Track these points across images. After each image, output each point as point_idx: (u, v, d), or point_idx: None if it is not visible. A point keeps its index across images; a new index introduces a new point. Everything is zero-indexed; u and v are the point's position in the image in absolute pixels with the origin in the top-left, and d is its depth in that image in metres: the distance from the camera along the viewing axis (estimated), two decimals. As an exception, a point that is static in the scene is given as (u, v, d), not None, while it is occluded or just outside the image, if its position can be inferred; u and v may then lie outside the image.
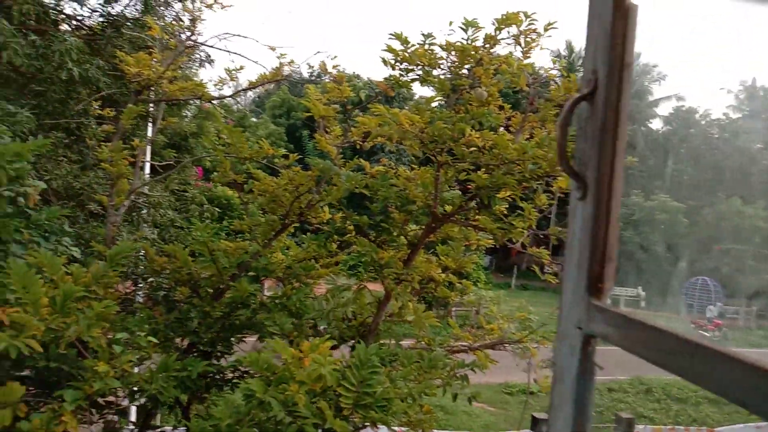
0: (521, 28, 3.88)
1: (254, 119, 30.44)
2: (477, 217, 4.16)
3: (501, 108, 4.32)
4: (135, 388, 3.63)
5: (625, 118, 0.64)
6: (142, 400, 3.99)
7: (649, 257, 29.42)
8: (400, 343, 4.79)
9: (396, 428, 4.76)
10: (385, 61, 3.94)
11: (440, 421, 12.03)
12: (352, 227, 4.95)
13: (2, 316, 3.16)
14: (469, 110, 3.71)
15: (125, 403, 6.14)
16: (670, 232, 29.28)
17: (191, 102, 13.91)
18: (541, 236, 4.28)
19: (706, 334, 22.79)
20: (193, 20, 4.55)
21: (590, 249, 0.65)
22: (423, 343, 4.97)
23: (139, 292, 6.38)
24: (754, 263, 29.34)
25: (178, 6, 9.58)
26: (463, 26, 3.93)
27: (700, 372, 0.51)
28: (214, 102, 7.58)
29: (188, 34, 4.68)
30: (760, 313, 27.59)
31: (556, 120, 4.56)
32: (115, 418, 7.33)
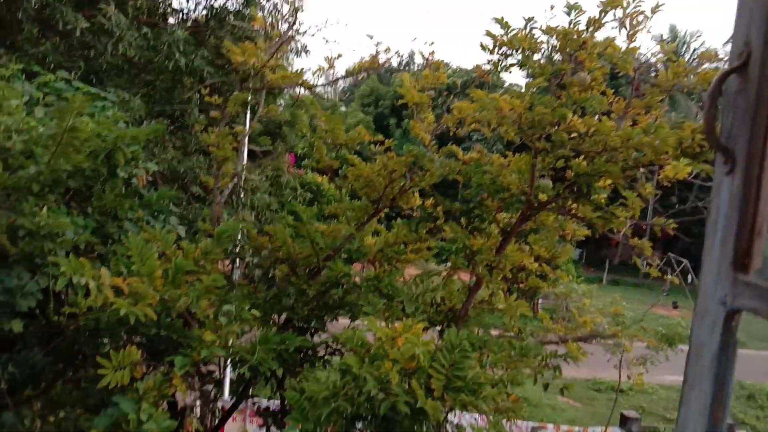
0: (627, 11, 3.72)
1: (344, 108, 31.02)
2: (574, 205, 4.06)
3: (603, 93, 4.17)
4: (237, 359, 3.85)
5: (781, 92, 0.62)
6: (243, 371, 4.23)
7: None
8: (489, 331, 4.78)
9: (477, 416, 4.76)
10: (483, 46, 3.91)
11: (524, 413, 11.85)
12: (441, 213, 4.96)
13: (123, 286, 3.45)
14: (570, 95, 3.62)
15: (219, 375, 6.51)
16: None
17: (286, 91, 14.36)
18: (643, 227, 4.11)
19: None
20: (295, 11, 4.71)
21: (738, 224, 0.64)
22: (512, 332, 4.93)
23: (236, 271, 6.74)
24: None
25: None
26: (566, 10, 3.82)
27: None
28: (309, 91, 7.81)
29: (289, 24, 4.84)
30: None
31: (662, 106, 4.34)
32: (211, 388, 7.81)
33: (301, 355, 4.65)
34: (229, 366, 6.42)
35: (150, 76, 9.47)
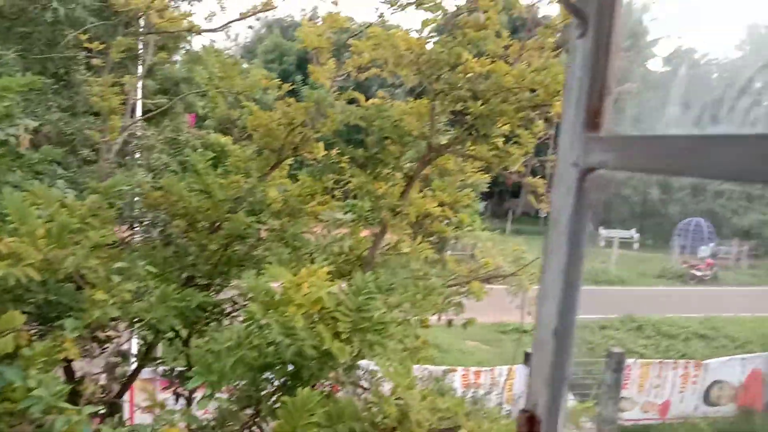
0: (519, -51, 3.76)
1: (245, 65, 29.82)
2: (472, 147, 4.14)
3: (499, 35, 4.24)
4: (134, 320, 3.68)
5: (627, -56, 0.62)
6: (143, 332, 4.05)
7: (643, 199, 29.61)
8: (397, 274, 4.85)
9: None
10: (379, -14, 3.83)
11: (435, 358, 12.33)
12: (346, 163, 4.92)
13: (0, 246, 3.18)
14: (465, 35, 3.63)
15: (125, 347, 6.22)
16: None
17: (181, 46, 13.56)
18: (539, 165, 4.27)
19: (698, 273, 23.19)
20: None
21: (589, 84, 0.64)
22: (419, 275, 5.03)
23: (137, 237, 6.40)
24: (746, 203, 29.60)
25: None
26: (459, -51, 3.81)
27: (702, 161, 0.50)
28: (205, 44, 7.38)
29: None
30: (751, 252, 28.03)
31: (557, 48, 4.47)
32: (118, 359, 7.45)
33: (207, 313, 4.52)
34: (135, 337, 6.16)
35: (25, 28, 8.58)
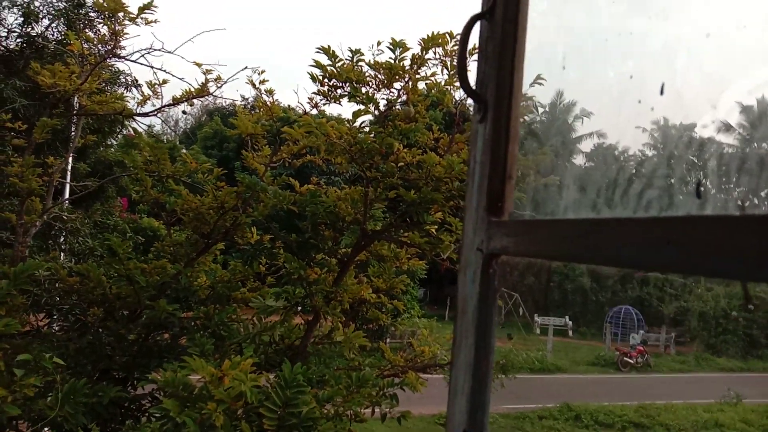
0: (447, 48, 3.97)
1: (185, 150, 29.66)
2: (406, 234, 4.16)
3: (429, 128, 4.39)
4: (36, 416, 3.32)
5: (524, 33, 0.63)
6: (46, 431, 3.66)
7: (575, 287, 30.53)
8: (330, 365, 4.67)
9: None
10: (313, 77, 3.93)
11: (373, 454, 11.77)
12: (281, 248, 4.84)
13: None
14: (397, 126, 3.74)
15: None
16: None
17: (116, 130, 13.43)
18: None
19: (630, 361, 23.65)
20: (114, 34, 4.40)
21: (490, 169, 0.63)
22: (353, 365, 4.86)
23: (55, 325, 5.97)
24: (672, 290, 31.00)
25: (101, 26, 9.30)
26: (391, 46, 3.99)
27: (596, 245, 0.48)
28: (140, 130, 7.32)
29: (109, 47, 4.50)
30: (678, 339, 29.01)
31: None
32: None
33: (122, 409, 4.17)
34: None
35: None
